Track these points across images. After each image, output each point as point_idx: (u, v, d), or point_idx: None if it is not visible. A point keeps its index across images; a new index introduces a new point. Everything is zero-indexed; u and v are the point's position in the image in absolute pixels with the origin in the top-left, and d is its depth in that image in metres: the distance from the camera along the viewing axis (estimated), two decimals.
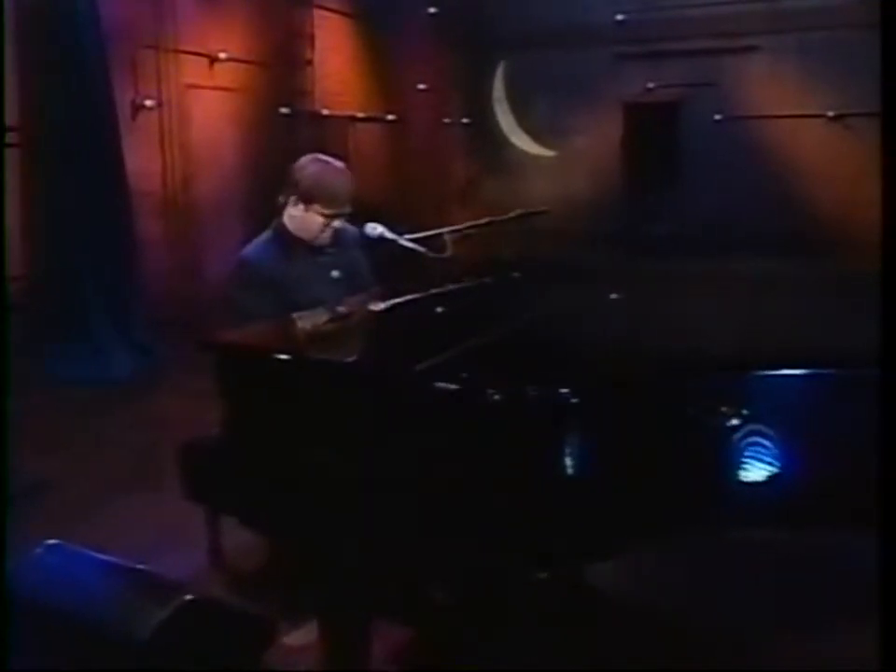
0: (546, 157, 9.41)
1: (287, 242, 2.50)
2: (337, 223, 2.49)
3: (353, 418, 1.78)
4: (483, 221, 3.02)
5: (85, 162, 5.03)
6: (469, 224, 2.88)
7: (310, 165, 2.48)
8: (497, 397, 1.72)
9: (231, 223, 6.50)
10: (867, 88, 8.19)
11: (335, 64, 7.41)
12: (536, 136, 9.37)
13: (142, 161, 5.71)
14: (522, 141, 9.44)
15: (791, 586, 2.53)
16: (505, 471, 1.73)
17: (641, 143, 8.92)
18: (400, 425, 1.73)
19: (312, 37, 7.12)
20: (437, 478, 1.73)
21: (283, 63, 6.90)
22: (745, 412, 1.64)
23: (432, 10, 8.46)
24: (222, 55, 6.31)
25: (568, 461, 1.74)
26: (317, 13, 7.18)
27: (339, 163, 2.51)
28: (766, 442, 1.55)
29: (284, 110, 6.86)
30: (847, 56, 7.92)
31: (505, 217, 3.20)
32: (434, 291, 2.57)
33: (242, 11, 6.55)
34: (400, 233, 2.61)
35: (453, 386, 1.67)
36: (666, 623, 2.41)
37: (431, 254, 2.50)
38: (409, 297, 2.50)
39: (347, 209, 2.49)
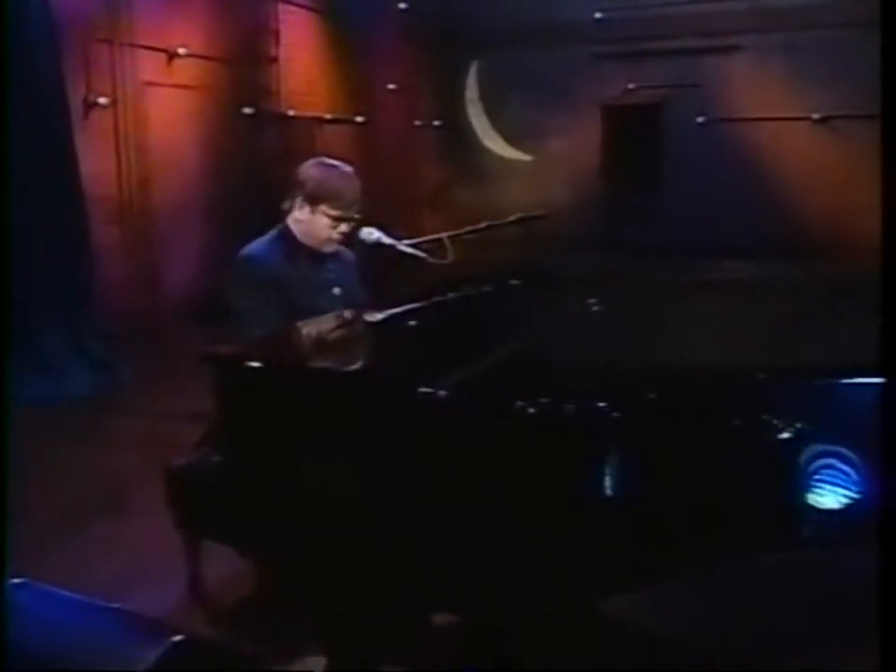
0: (522, 161, 9.41)
1: (292, 246, 2.54)
2: (345, 227, 2.49)
3: (373, 436, 1.73)
4: (482, 225, 3.02)
5: (35, 164, 4.88)
6: (468, 228, 2.89)
7: (315, 166, 2.56)
8: (531, 411, 1.66)
9: (191, 230, 6.42)
10: (853, 89, 8.37)
11: (301, 62, 7.31)
12: (511, 139, 9.36)
13: (95, 162, 5.56)
14: (496, 144, 9.42)
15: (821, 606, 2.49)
16: (537, 492, 1.67)
17: (621, 146, 8.94)
18: (428, 442, 1.68)
19: (277, 33, 7.00)
20: (461, 498, 1.68)
21: (246, 59, 6.78)
22: (802, 425, 1.60)
23: (403, 6, 8.41)
24: (182, 50, 6.16)
25: (607, 480, 1.69)
26: (283, 7, 7.08)
27: (345, 166, 2.59)
28: (841, 464, 1.49)
29: (247, 110, 6.76)
30: (833, 56, 8.04)
31: (503, 221, 3.20)
32: (438, 300, 2.57)
33: (203, 4, 6.38)
34: (398, 238, 2.60)
35: (485, 402, 1.63)
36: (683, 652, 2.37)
37: (432, 259, 2.54)
38: (412, 306, 2.49)
39: (355, 212, 2.50)
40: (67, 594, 1.86)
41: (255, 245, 2.54)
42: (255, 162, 6.82)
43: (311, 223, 2.52)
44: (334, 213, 2.49)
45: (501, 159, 9.35)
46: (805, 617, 2.22)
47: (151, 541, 3.06)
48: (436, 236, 2.67)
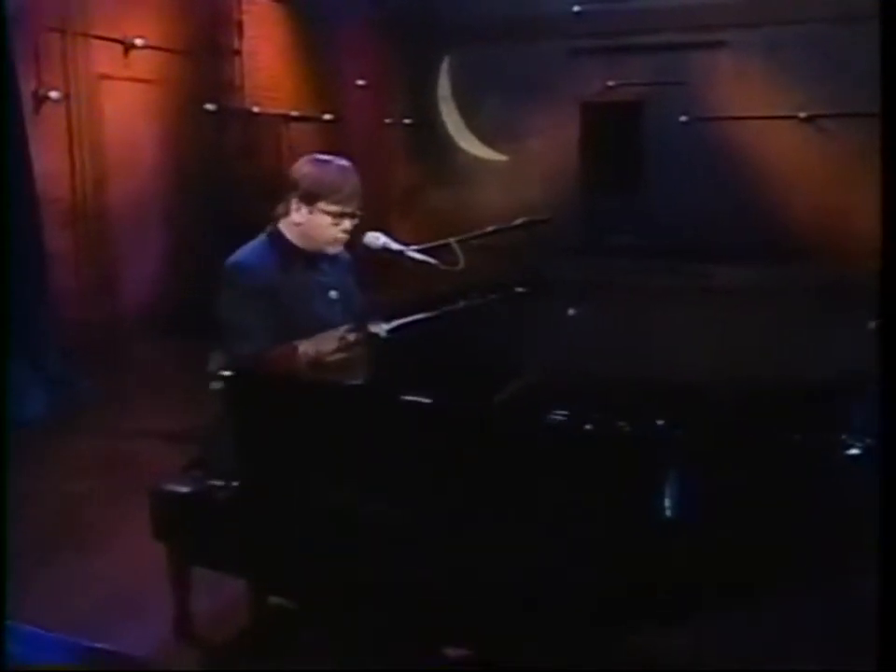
0: (497, 161, 9.38)
1: (284, 251, 2.48)
2: (348, 223, 2.45)
3: (407, 456, 1.67)
4: (489, 229, 2.99)
5: None
6: (476, 233, 2.87)
7: (307, 163, 2.50)
8: (587, 428, 1.60)
9: (150, 234, 6.29)
10: (841, 87, 8.51)
11: (266, 56, 7.22)
12: (485, 139, 9.32)
13: (47, 161, 5.38)
14: (470, 144, 9.38)
15: None
16: (589, 515, 1.61)
17: (601, 146, 8.94)
18: (471, 463, 1.61)
19: (240, 24, 6.90)
20: (496, 524, 1.65)
21: (208, 52, 6.68)
22: (871, 440, 1.55)
23: None
24: (139, 42, 6.04)
25: (667, 503, 1.63)
26: None
27: (340, 159, 2.52)
28: None
29: (209, 106, 6.67)
30: (820, 53, 8.14)
31: (510, 225, 3.18)
32: (450, 308, 2.55)
33: None
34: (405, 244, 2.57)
35: (539, 421, 1.58)
36: None
37: (444, 266, 2.51)
38: (425, 315, 2.44)
39: (356, 207, 2.43)
40: (46, 634, 1.79)
41: (244, 253, 2.46)
42: (218, 162, 6.73)
43: (310, 223, 2.46)
44: (334, 208, 2.43)
45: (476, 159, 9.30)
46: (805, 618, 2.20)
47: (126, 574, 2.98)
48: (444, 241, 2.63)
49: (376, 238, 2.52)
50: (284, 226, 2.50)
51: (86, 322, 5.32)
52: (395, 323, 2.45)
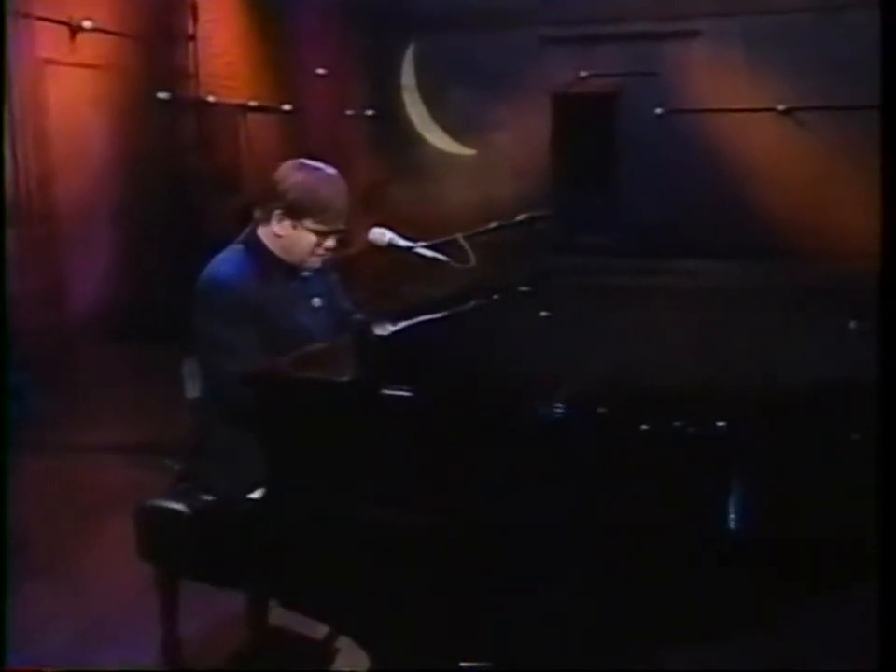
0: (464, 155, 9.36)
1: (263, 261, 2.39)
2: (331, 242, 2.39)
3: (457, 468, 1.69)
4: (492, 225, 2.97)
5: None
6: (480, 230, 2.84)
7: (296, 172, 2.37)
8: (645, 429, 1.57)
9: (101, 233, 6.15)
10: (820, 79, 8.65)
11: (222, 42, 7.14)
12: (452, 132, 9.30)
13: None
14: (436, 137, 9.35)
15: None
16: (646, 528, 1.56)
17: (573, 140, 8.97)
18: (525, 473, 1.61)
19: (194, 7, 6.76)
20: (546, 534, 1.68)
21: (160, 36, 6.60)
22: None
23: None
24: (86, 24, 5.89)
25: (731, 513, 1.60)
26: None
27: (330, 169, 2.43)
28: None
29: (162, 95, 6.58)
30: (799, 43, 8.27)
31: (512, 221, 3.17)
32: (466, 307, 2.56)
33: None
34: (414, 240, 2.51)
35: (594, 422, 1.59)
36: None
37: (456, 264, 2.45)
38: (430, 316, 2.43)
39: (342, 224, 2.37)
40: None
41: (221, 266, 2.37)
42: (172, 155, 6.63)
43: (292, 239, 2.37)
44: (320, 227, 2.34)
45: (441, 153, 9.27)
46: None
47: (100, 599, 2.90)
48: (450, 237, 2.58)
49: (382, 234, 2.43)
50: (263, 234, 2.40)
51: (34, 330, 5.16)
52: (403, 324, 2.38)
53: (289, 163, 2.41)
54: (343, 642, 2.51)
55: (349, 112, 8.86)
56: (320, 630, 2.55)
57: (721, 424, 1.60)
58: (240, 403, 2.06)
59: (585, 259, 8.02)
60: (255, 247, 2.39)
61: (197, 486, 2.34)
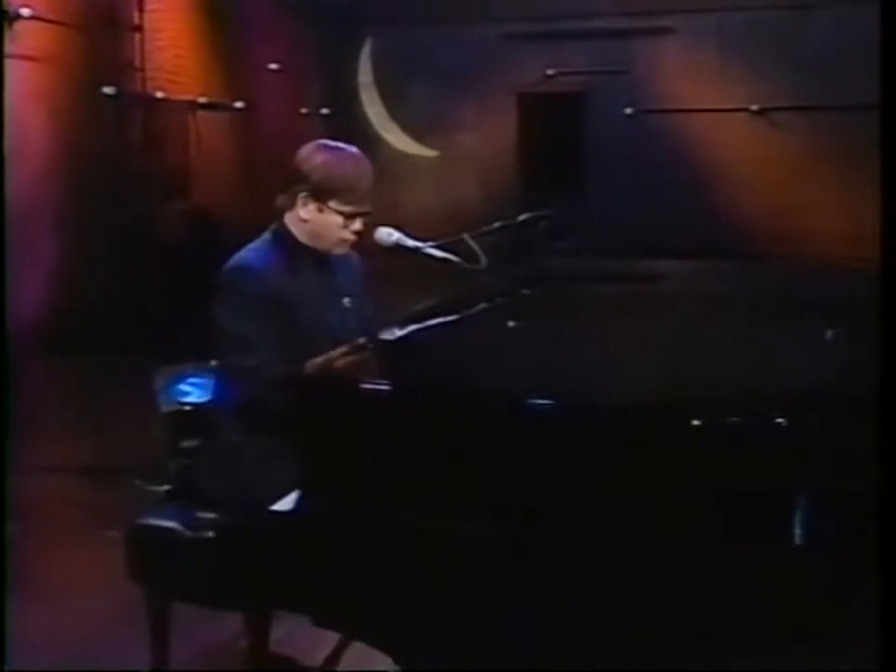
0: (425, 157, 9.37)
1: (292, 250, 2.42)
2: (359, 224, 2.40)
3: (523, 470, 1.67)
4: (496, 225, 3.01)
5: None
6: (485, 229, 2.89)
7: (319, 153, 2.39)
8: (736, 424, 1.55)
9: (40, 238, 6.01)
10: (796, 78, 8.81)
11: (170, 33, 7.07)
12: (412, 132, 9.29)
13: None
14: (395, 137, 9.33)
15: None
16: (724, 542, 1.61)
17: (539, 141, 9.03)
18: (602, 475, 1.63)
19: None
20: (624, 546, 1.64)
21: (104, 26, 6.49)
22: None
23: None
24: (25, 11, 5.79)
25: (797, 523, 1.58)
26: None
27: (353, 148, 2.45)
28: None
29: (108, 90, 6.48)
30: (774, 42, 8.42)
31: (515, 220, 3.23)
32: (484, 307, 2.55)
33: None
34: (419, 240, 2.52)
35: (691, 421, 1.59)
36: None
37: (467, 265, 2.48)
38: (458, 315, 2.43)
39: (368, 207, 2.39)
40: None
41: (247, 254, 2.39)
42: (117, 155, 6.54)
43: (319, 222, 2.39)
44: (347, 208, 2.35)
45: (401, 154, 9.24)
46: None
47: (80, 625, 2.91)
48: (457, 237, 2.61)
49: (389, 234, 2.44)
50: (289, 221, 2.42)
51: None
52: (411, 328, 2.36)
53: (310, 145, 2.44)
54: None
55: (304, 111, 8.85)
56: (319, 657, 2.50)
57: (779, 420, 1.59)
58: (263, 404, 2.10)
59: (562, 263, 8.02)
60: (282, 236, 2.43)
61: (196, 502, 2.30)
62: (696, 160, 8.90)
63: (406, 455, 1.76)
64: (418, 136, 9.26)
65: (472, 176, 9.22)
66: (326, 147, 2.42)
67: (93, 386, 5.08)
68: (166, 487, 2.48)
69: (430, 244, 2.50)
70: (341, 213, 2.35)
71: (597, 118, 8.95)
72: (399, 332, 2.38)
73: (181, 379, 3.07)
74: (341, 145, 2.46)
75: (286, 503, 2.04)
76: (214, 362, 3.06)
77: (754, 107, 8.65)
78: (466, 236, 2.66)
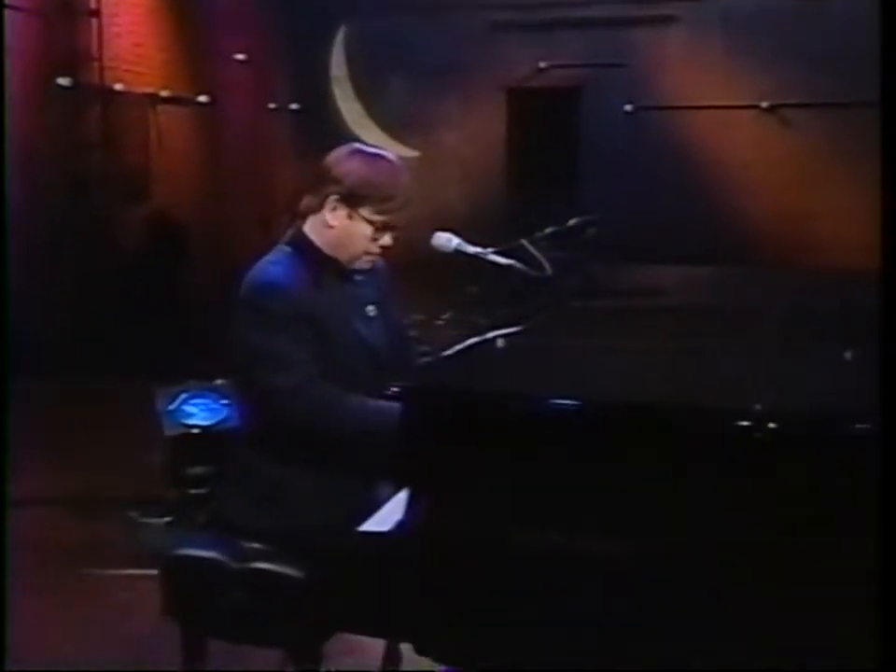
0: (405, 158, 9.32)
1: (314, 260, 2.48)
2: (388, 239, 2.46)
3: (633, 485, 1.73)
4: (548, 231, 3.19)
5: None
6: (538, 235, 3.13)
7: (354, 156, 2.48)
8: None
9: None
10: (808, 71, 8.89)
11: (129, 19, 7.13)
12: (391, 130, 9.22)
13: None
14: (371, 135, 9.23)
15: None
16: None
17: (531, 140, 9.01)
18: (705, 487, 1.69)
19: None
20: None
21: (57, 11, 6.50)
22: None
23: None
24: None
25: None
26: None
27: (392, 154, 2.55)
28: None
29: (63, 81, 6.52)
30: (786, 31, 8.50)
31: (565, 226, 3.33)
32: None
33: None
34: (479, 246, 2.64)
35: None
36: None
37: (533, 273, 2.60)
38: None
39: (401, 221, 2.46)
40: None
41: (270, 269, 2.45)
42: (72, 152, 6.48)
43: (346, 230, 2.43)
44: (379, 219, 2.40)
45: None
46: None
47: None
48: (516, 243, 2.71)
49: (448, 240, 2.55)
50: (310, 226, 2.46)
51: None
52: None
53: (343, 147, 2.50)
54: None
55: (272, 106, 8.90)
56: None
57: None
58: (310, 425, 2.26)
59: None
60: (302, 246, 2.46)
61: (239, 531, 2.37)
62: (701, 161, 8.92)
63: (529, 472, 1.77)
64: (397, 135, 9.19)
65: (457, 179, 9.18)
66: (363, 151, 2.49)
67: (58, 408, 5.01)
68: (167, 519, 2.55)
69: (491, 250, 2.62)
70: (371, 223, 2.39)
71: (594, 115, 8.92)
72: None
73: (184, 400, 3.05)
74: (379, 150, 2.55)
75: (376, 523, 2.06)
76: (220, 381, 3.04)
77: (764, 104, 8.66)
78: (524, 242, 2.72)
